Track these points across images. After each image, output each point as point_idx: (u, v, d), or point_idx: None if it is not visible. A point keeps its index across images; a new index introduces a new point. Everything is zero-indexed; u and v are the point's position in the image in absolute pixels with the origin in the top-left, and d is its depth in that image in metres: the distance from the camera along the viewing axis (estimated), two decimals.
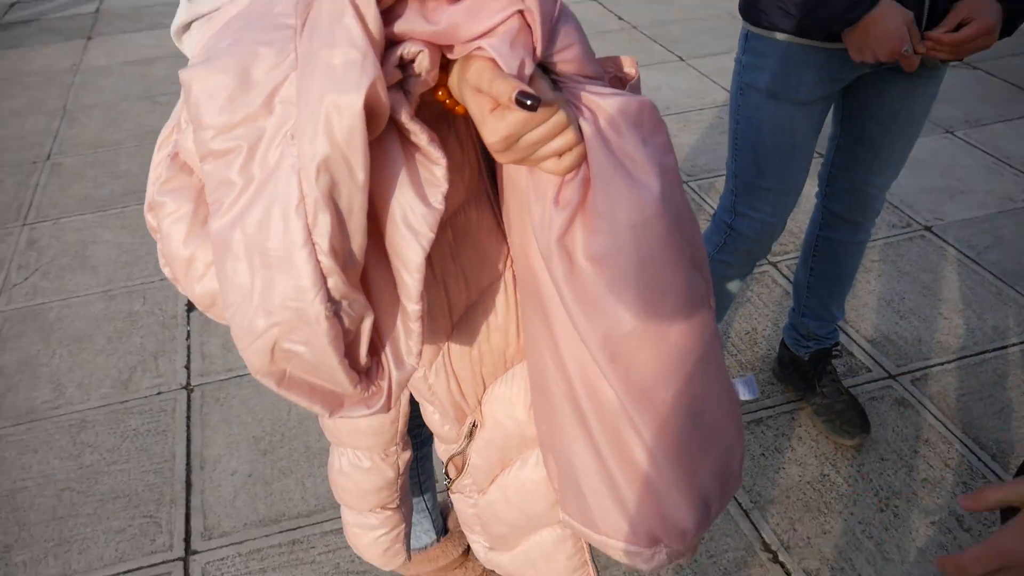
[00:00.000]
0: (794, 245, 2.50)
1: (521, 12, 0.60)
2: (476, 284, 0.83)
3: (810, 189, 2.70)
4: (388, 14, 0.61)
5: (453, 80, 0.65)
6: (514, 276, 0.83)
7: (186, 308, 2.35)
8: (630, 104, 0.65)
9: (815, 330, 1.87)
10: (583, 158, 0.64)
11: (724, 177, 2.85)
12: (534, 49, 0.61)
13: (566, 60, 0.64)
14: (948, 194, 2.75)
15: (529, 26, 0.61)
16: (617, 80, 0.78)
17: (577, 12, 4.33)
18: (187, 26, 0.77)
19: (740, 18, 1.58)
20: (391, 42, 0.62)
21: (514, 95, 0.58)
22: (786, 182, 1.58)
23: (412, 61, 0.62)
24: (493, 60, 0.60)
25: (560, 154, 0.64)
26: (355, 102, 0.57)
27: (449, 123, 0.75)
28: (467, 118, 0.73)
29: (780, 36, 1.46)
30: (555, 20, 0.63)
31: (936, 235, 2.54)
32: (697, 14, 4.29)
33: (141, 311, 2.35)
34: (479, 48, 0.61)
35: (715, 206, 2.71)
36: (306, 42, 0.61)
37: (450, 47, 0.63)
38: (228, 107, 0.62)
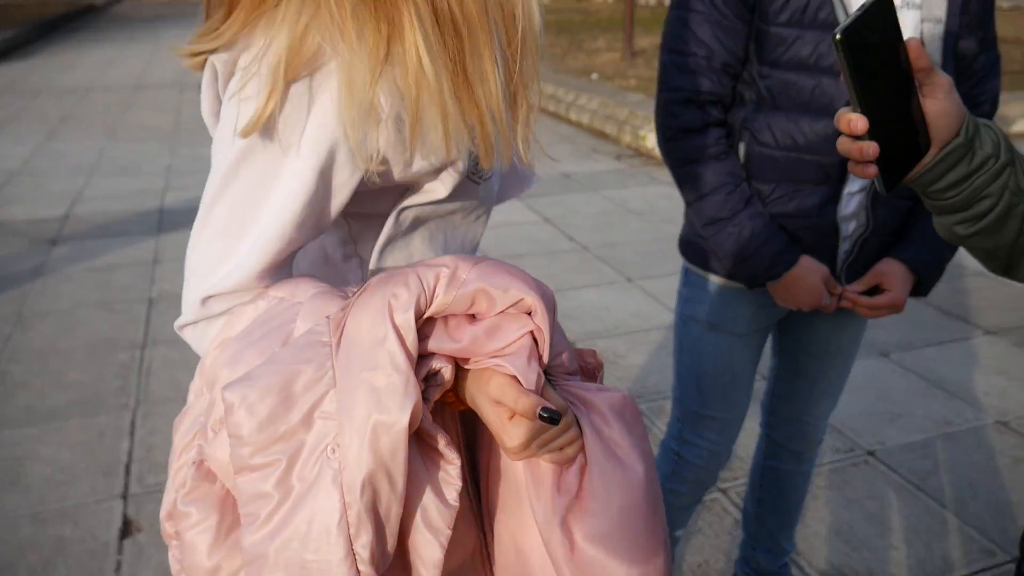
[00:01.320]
0: (743, 471, 2.52)
1: (532, 331, 0.71)
2: (446, 566, 0.85)
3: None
4: (418, 333, 0.69)
5: (468, 389, 0.72)
6: (484, 557, 0.85)
7: (119, 534, 2.26)
8: (615, 398, 0.75)
9: (766, 564, 1.85)
10: (581, 449, 0.71)
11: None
12: (541, 359, 0.70)
13: (559, 363, 0.74)
14: (888, 418, 2.83)
15: (537, 341, 0.71)
16: (586, 370, 0.87)
17: (529, 232, 4.56)
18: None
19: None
20: (419, 356, 0.69)
21: (538, 412, 0.67)
22: (729, 410, 1.63)
23: (436, 373, 0.70)
24: (513, 376, 0.68)
25: (563, 447, 0.70)
26: (400, 421, 0.63)
27: (438, 412, 0.80)
28: (453, 411, 0.80)
29: (714, 277, 1.56)
30: (553, 330, 0.72)
31: (880, 460, 2.59)
32: (645, 236, 4.54)
33: (71, 537, 2.24)
34: (499, 364, 0.69)
35: (664, 429, 2.75)
36: (344, 360, 0.67)
37: (466, 360, 0.71)
38: (269, 424, 0.66)
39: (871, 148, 0.79)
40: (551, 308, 0.72)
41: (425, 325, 0.70)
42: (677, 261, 4.24)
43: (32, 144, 6.95)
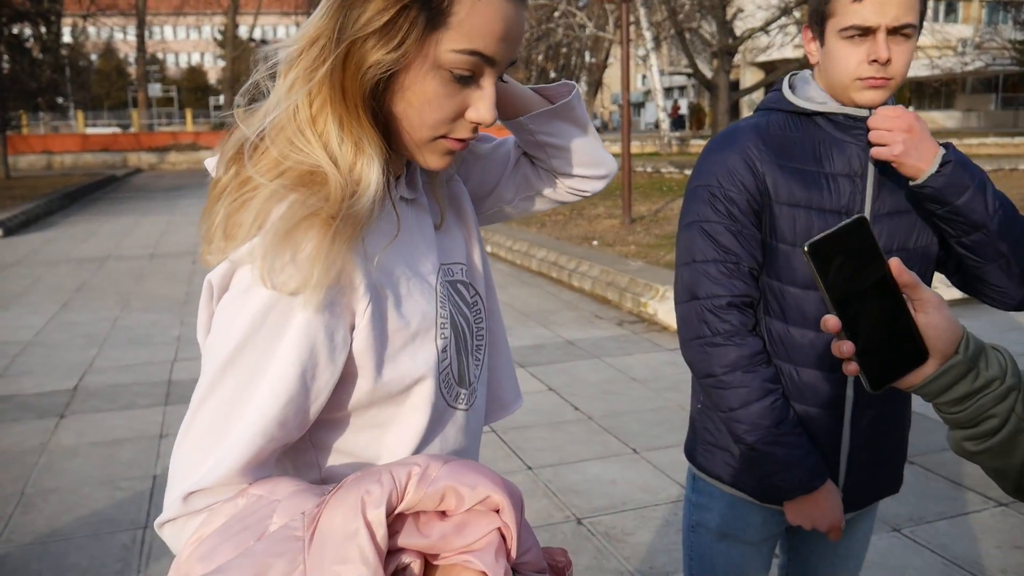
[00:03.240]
0: None
1: (500, 528, 0.74)
2: None
3: None
4: (388, 529, 0.73)
5: None
6: None
7: None
8: None
9: None
10: None
11: None
12: (509, 555, 0.74)
13: (526, 561, 0.78)
14: None
15: (505, 537, 0.75)
16: (556, 568, 0.89)
17: (534, 402, 4.59)
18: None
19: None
20: (388, 551, 0.73)
21: None
22: None
23: (406, 568, 0.74)
24: (483, 572, 0.72)
25: None
26: None
27: None
28: None
29: (724, 486, 1.57)
30: (521, 527, 0.75)
31: None
32: (649, 405, 4.56)
33: None
34: (468, 560, 0.73)
35: None
36: (316, 555, 0.71)
37: (435, 555, 0.74)
38: None
39: (846, 346, 0.86)
40: (518, 506, 0.76)
41: (396, 521, 0.74)
42: (682, 431, 4.23)
43: (47, 315, 7.11)
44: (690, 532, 1.65)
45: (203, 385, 0.86)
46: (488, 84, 0.90)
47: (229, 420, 0.84)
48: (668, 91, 46.40)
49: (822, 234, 0.85)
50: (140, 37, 38.13)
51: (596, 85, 38.42)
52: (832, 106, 1.42)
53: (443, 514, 0.75)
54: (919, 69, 35.62)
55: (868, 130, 1.39)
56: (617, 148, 9.51)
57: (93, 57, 48.64)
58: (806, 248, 0.85)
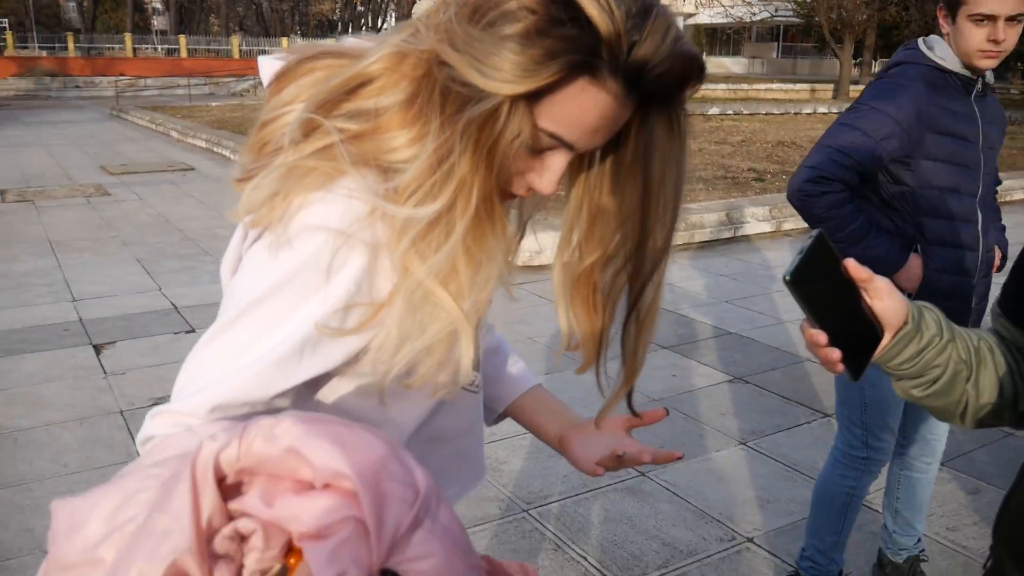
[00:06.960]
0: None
1: (356, 517, 0.60)
2: None
3: None
4: (230, 489, 0.63)
5: None
6: None
7: None
8: None
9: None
10: None
11: (568, 501, 2.93)
12: (369, 555, 0.60)
13: (420, 570, 0.62)
14: (758, 503, 3.00)
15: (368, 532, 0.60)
16: None
17: None
18: None
19: None
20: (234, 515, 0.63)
21: None
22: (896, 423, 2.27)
23: (247, 537, 0.62)
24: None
25: None
26: (155, 574, 0.58)
27: None
28: None
29: None
30: (405, 528, 0.61)
31: (759, 546, 2.73)
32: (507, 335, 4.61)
33: None
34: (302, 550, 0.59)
35: (557, 533, 2.76)
36: (154, 499, 0.64)
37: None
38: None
39: (834, 354, 0.94)
40: (392, 500, 0.61)
41: (244, 483, 0.63)
42: (535, 362, 4.35)
43: None
44: (864, 386, 2.14)
45: (221, 321, 0.83)
46: (560, 160, 0.87)
47: (228, 357, 0.81)
48: None
49: (796, 262, 0.89)
50: None
51: (405, 20, 37.44)
52: (959, 68, 2.03)
53: (311, 486, 0.62)
54: (715, 17, 37.63)
55: (976, 89, 2.06)
56: None
57: None
58: (787, 279, 0.89)
